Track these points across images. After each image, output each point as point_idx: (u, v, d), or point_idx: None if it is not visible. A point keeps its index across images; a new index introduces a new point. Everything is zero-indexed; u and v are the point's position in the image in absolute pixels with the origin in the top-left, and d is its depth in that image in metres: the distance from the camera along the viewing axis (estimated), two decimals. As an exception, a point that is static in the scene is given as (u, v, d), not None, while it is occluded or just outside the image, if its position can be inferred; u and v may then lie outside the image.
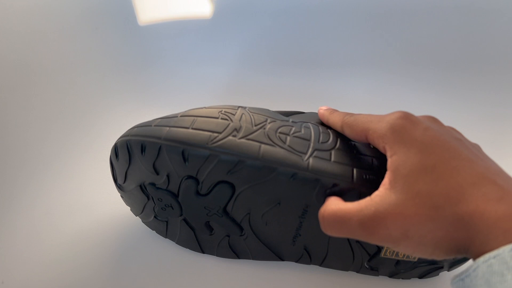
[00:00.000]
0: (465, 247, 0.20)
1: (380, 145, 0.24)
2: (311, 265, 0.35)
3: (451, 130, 0.25)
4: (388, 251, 0.31)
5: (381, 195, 0.22)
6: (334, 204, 0.24)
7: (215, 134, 0.28)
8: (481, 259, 0.17)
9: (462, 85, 0.47)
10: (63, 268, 0.35)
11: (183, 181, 0.29)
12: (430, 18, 0.48)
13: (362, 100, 0.35)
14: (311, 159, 0.28)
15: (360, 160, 0.28)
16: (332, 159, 0.28)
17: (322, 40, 0.48)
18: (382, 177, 0.25)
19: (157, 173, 0.30)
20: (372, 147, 0.29)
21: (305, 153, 0.28)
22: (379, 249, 0.31)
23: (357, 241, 0.31)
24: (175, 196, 0.31)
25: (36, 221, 0.39)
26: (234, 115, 0.30)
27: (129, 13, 0.47)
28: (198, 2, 0.46)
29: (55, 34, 0.44)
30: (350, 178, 0.27)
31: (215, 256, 0.36)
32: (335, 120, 0.29)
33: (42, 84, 0.43)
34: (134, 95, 0.33)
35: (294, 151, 0.28)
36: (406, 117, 0.23)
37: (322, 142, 0.29)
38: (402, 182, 0.21)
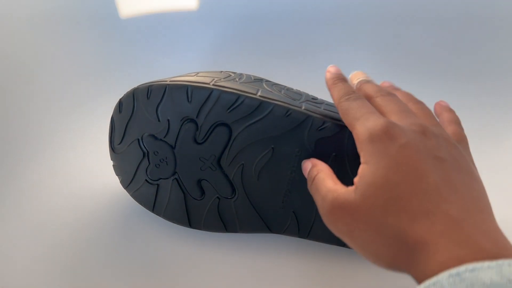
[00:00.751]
0: (405, 269, 0.21)
1: (358, 149, 0.25)
2: (299, 244, 0.35)
3: (442, 143, 0.24)
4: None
5: (346, 190, 0.24)
6: (319, 169, 0.27)
7: (218, 78, 0.31)
8: (422, 286, 0.18)
9: (463, 77, 0.50)
10: (47, 248, 0.35)
11: (182, 126, 0.31)
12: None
13: None
14: (304, 104, 0.31)
15: None
16: (322, 108, 0.32)
17: (312, 30, 0.53)
18: None
19: (159, 120, 0.32)
20: None
21: (299, 100, 0.31)
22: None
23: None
24: (172, 147, 0.32)
25: (20, 203, 0.39)
26: (235, 73, 0.34)
27: (111, 6, 0.51)
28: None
29: (35, 28, 0.48)
30: (339, 120, 0.30)
31: (201, 236, 0.36)
32: (333, 95, 0.29)
33: (24, 80, 0.46)
34: (117, 87, 0.36)
35: (289, 97, 0.31)
36: (387, 130, 0.23)
37: (313, 99, 0.33)
38: (364, 188, 0.22)
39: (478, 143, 0.41)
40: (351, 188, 0.23)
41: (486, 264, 0.17)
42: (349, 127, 0.26)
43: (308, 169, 0.28)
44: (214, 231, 0.35)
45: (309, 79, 0.36)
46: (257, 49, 0.52)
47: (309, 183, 0.27)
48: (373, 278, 0.34)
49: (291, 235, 0.34)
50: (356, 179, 0.23)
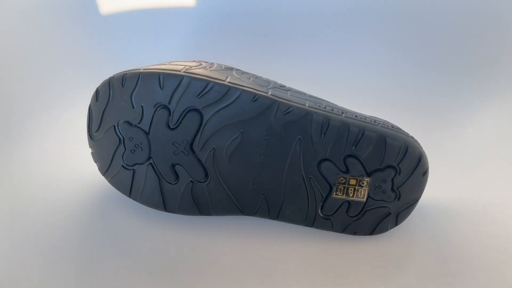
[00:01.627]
0: None
1: None
2: (270, 226, 0.37)
3: None
4: (339, 188, 0.34)
5: None
6: None
7: (189, 66, 0.33)
8: None
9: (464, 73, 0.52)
10: (33, 240, 0.36)
11: (156, 112, 0.33)
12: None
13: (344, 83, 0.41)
14: (271, 90, 0.33)
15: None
16: (289, 94, 0.33)
17: (297, 23, 0.55)
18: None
19: (133, 106, 0.33)
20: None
21: (267, 87, 0.33)
22: (331, 188, 0.34)
23: (311, 177, 0.34)
24: (146, 133, 0.34)
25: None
26: (206, 62, 0.35)
27: (91, 2, 0.53)
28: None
29: (16, 22, 0.49)
30: (304, 105, 0.32)
31: (176, 220, 0.37)
32: None
33: (5, 70, 0.47)
34: (96, 79, 0.37)
35: (257, 84, 0.33)
36: None
37: (280, 86, 0.35)
38: None
39: (442, 129, 0.43)
40: None
41: None
42: None
43: None
44: (189, 214, 0.36)
45: (284, 71, 0.38)
46: (235, 43, 0.54)
47: None
48: (345, 259, 0.35)
49: (262, 216, 0.36)
50: None
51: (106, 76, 0.35)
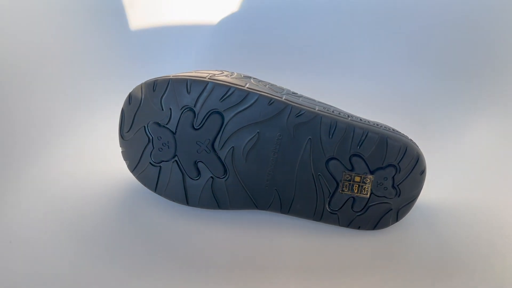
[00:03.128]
0: None
1: None
2: (282, 220, 0.40)
3: None
4: (345, 185, 0.38)
5: None
6: None
7: (213, 73, 0.38)
8: None
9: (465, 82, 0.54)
10: (68, 229, 0.39)
11: (182, 114, 0.37)
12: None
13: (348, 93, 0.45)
14: (285, 95, 0.37)
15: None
16: (301, 99, 0.38)
17: (308, 36, 0.59)
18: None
19: (162, 109, 0.38)
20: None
21: (281, 93, 0.38)
22: (337, 185, 0.38)
23: (320, 174, 0.37)
24: (173, 133, 0.38)
25: (40, 185, 0.44)
26: (227, 71, 0.40)
27: (121, 17, 0.58)
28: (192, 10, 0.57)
29: (51, 34, 0.54)
30: (314, 109, 0.36)
31: (197, 214, 0.41)
32: None
33: (34, 83, 0.52)
34: (124, 89, 0.41)
35: (272, 90, 0.37)
36: None
37: (293, 93, 0.39)
38: None
39: (440, 136, 0.47)
40: None
41: None
42: None
43: None
44: (208, 208, 0.40)
45: (296, 81, 0.42)
46: (249, 57, 0.59)
47: None
48: (351, 250, 0.39)
49: (275, 211, 0.39)
50: None
51: (133, 85, 0.39)
